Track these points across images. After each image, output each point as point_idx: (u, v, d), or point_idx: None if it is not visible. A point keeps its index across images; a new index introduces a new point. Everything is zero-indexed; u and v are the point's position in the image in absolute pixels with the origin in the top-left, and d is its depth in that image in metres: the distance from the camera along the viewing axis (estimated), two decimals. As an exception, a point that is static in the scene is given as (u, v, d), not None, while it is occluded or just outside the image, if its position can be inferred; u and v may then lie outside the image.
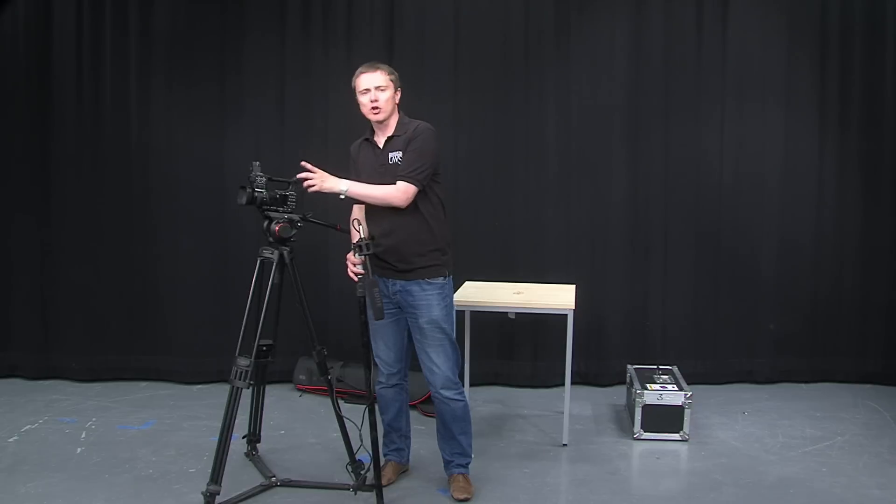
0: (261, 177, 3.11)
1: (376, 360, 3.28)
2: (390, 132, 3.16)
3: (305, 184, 3.02)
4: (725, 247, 4.81)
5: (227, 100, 4.73)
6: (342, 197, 3.05)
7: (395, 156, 3.10)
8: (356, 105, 3.17)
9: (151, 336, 4.80)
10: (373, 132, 3.21)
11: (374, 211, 3.12)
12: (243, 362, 3.02)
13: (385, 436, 3.41)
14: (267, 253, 3.16)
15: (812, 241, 4.82)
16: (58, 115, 4.72)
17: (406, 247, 3.10)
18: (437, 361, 3.16)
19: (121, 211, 4.75)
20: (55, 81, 4.70)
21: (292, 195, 3.19)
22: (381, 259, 3.09)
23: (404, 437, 3.46)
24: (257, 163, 3.14)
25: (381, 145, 3.17)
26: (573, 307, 3.78)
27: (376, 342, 3.24)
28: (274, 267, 3.14)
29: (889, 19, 4.69)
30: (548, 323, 4.50)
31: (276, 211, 3.15)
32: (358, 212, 3.27)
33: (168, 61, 4.70)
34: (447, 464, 3.34)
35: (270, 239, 3.14)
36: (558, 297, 3.94)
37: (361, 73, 3.13)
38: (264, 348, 3.24)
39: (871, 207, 4.80)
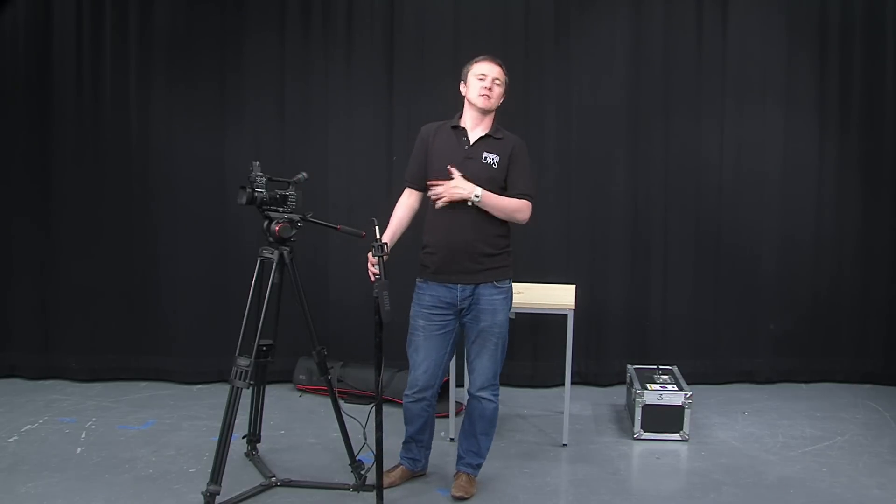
0: (261, 177, 3.11)
1: (410, 371, 3.24)
2: (485, 130, 3.15)
3: (433, 199, 2.99)
4: (725, 247, 4.81)
5: (227, 100, 4.73)
6: (470, 204, 3.02)
7: (493, 158, 3.09)
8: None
9: (151, 336, 4.80)
10: (460, 118, 3.19)
11: (447, 208, 3.06)
12: (243, 362, 3.02)
13: (405, 443, 3.39)
14: (267, 253, 3.16)
15: (812, 241, 4.82)
16: (58, 115, 4.71)
17: (476, 247, 3.08)
18: (484, 363, 3.16)
19: (121, 211, 4.74)
20: (55, 81, 4.69)
21: (292, 195, 3.19)
22: (452, 261, 3.07)
23: (424, 449, 3.40)
24: (257, 163, 3.15)
25: (470, 138, 3.14)
26: (573, 307, 3.79)
27: (416, 354, 3.18)
28: (274, 267, 3.14)
29: (889, 19, 4.69)
30: (548, 323, 4.50)
31: (276, 211, 3.16)
32: (409, 199, 3.22)
33: (168, 61, 4.69)
34: (459, 459, 3.32)
35: (270, 239, 3.14)
36: (558, 297, 3.94)
37: (484, 59, 3.15)
38: (264, 348, 3.24)
39: (870, 207, 4.80)
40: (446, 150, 3.13)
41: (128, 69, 4.69)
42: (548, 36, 4.69)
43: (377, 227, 2.97)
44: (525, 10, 4.67)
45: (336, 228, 3.34)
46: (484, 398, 3.19)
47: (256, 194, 3.09)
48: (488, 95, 3.09)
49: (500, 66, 3.16)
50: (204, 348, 4.74)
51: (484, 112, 3.13)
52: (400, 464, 3.40)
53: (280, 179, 3.21)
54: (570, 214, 4.76)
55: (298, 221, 3.18)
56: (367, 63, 4.71)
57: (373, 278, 3.00)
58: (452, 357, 3.32)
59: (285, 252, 3.15)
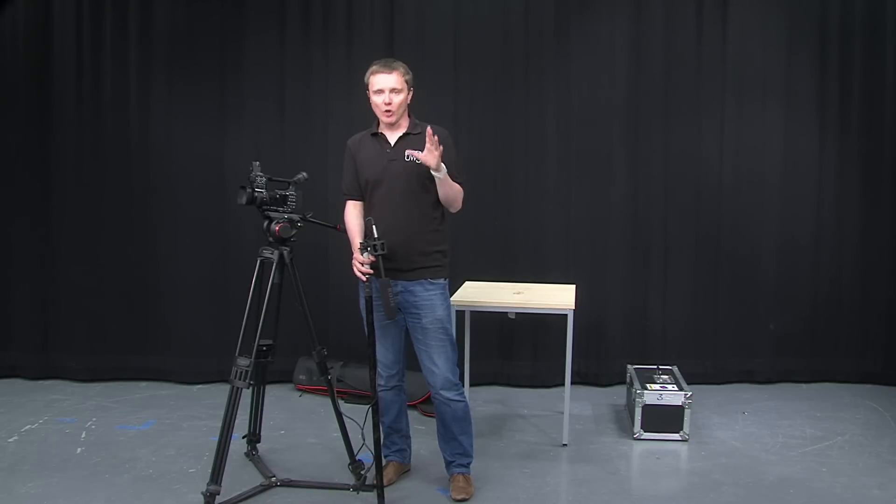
0: (261, 177, 3.12)
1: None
2: (403, 130, 3.16)
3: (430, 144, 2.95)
4: (725, 247, 4.81)
5: (227, 100, 4.73)
6: (440, 176, 3.04)
7: (416, 154, 3.08)
8: (361, 100, 3.17)
9: (151, 336, 4.80)
10: (378, 125, 3.20)
11: (384, 208, 3.10)
12: (243, 362, 3.03)
13: (386, 437, 3.41)
14: (267, 253, 3.16)
15: (812, 241, 4.82)
16: (58, 115, 4.71)
17: (412, 245, 3.09)
18: (437, 362, 3.16)
19: (121, 211, 4.74)
20: (55, 81, 4.70)
21: (292, 195, 3.20)
22: (385, 258, 3.08)
23: (405, 437, 3.47)
24: (257, 163, 3.15)
25: (391, 141, 3.16)
26: (573, 307, 3.78)
27: (377, 345, 3.22)
28: (274, 267, 3.14)
29: (889, 19, 4.69)
30: (548, 323, 4.50)
31: (276, 211, 3.16)
32: (355, 210, 3.25)
33: (168, 61, 4.70)
34: (448, 464, 3.34)
35: (270, 239, 3.15)
36: (558, 297, 3.94)
37: (377, 71, 3.11)
38: (264, 348, 3.25)
39: (870, 207, 4.80)
40: (371, 158, 3.17)
41: (128, 68, 4.70)
42: (548, 36, 4.69)
43: (374, 227, 2.97)
44: (525, 10, 4.67)
45: (336, 228, 3.35)
46: (450, 399, 3.20)
47: (256, 194, 3.09)
48: (390, 111, 3.09)
49: (396, 70, 3.10)
50: (204, 348, 4.74)
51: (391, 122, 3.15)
52: (391, 460, 3.41)
53: (280, 179, 3.22)
54: (570, 214, 4.76)
55: (298, 221, 3.18)
56: (368, 63, 4.65)
57: (364, 278, 3.01)
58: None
59: (285, 252, 3.16)
